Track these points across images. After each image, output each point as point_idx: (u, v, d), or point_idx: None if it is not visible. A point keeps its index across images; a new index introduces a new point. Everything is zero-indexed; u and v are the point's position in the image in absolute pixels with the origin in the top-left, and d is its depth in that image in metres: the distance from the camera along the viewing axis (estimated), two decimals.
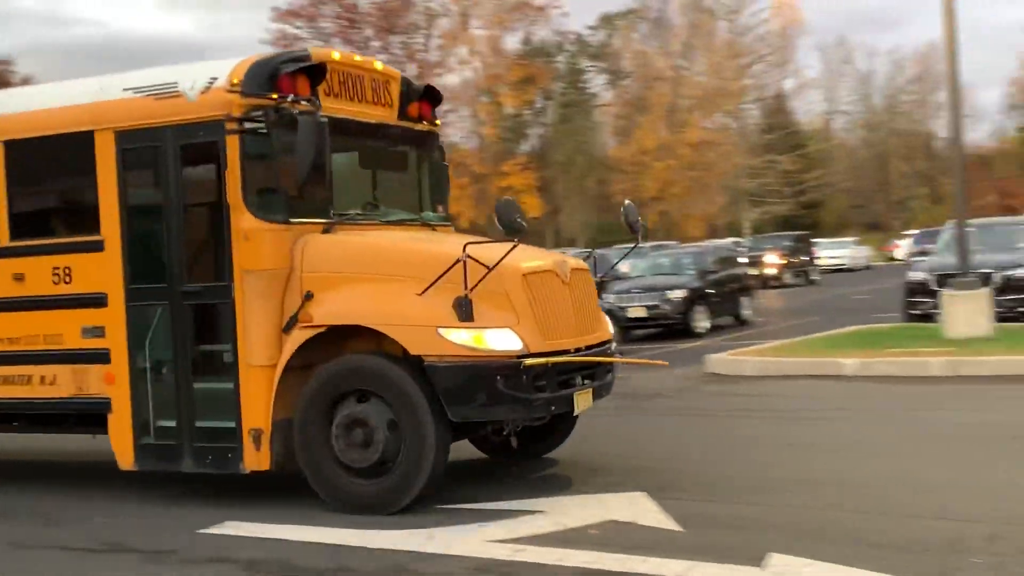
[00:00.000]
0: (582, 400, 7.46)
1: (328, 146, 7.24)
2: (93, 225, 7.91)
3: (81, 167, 7.96)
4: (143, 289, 7.79)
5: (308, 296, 7.33)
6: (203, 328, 7.73)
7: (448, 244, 7.78)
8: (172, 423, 7.68)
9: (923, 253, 25.75)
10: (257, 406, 7.32)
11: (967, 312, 14.81)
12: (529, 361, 6.95)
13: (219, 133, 7.41)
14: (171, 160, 7.66)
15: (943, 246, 19.02)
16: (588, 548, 6.13)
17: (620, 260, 10.97)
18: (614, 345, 8.23)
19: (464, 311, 6.99)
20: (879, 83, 79.71)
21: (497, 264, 6.99)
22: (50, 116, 8.15)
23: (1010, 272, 17.53)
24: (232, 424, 7.43)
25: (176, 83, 7.65)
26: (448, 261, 7.05)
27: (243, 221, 7.38)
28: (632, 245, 9.04)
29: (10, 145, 8.26)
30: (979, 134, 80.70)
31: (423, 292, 7.06)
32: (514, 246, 7.06)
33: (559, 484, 7.83)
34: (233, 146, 7.37)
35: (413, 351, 7.05)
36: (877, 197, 76.37)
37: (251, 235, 7.36)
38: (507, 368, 6.97)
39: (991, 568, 5.48)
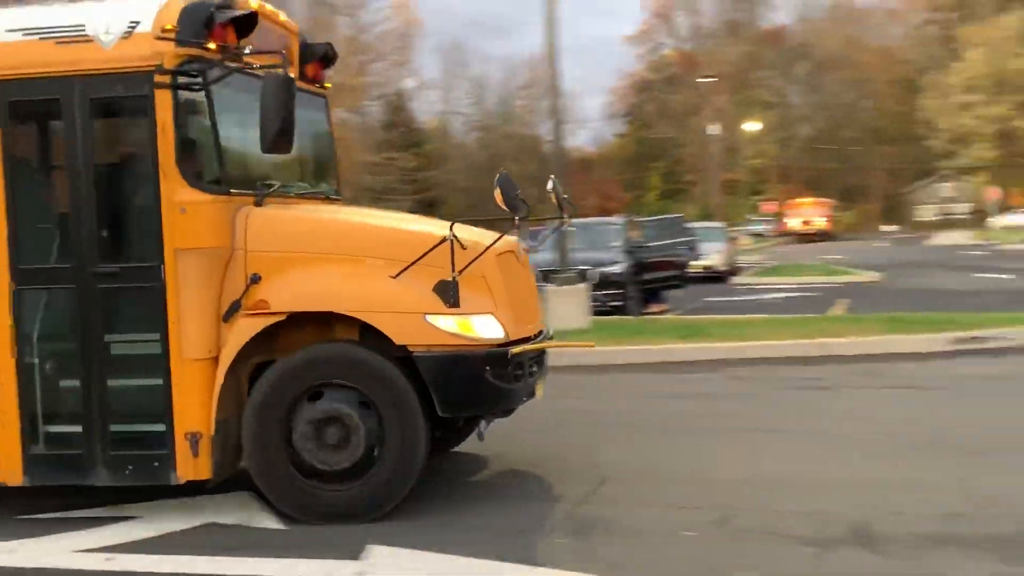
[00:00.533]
0: (539, 389, 7.15)
1: (295, 108, 6.38)
2: None
3: None
4: (38, 270, 6.61)
5: (255, 279, 6.41)
6: (122, 316, 6.62)
7: (416, 222, 7.28)
8: (77, 428, 6.52)
9: (527, 251, 27.13)
10: (194, 406, 6.34)
11: (567, 306, 15.76)
12: (516, 349, 6.51)
13: (146, 87, 6.33)
14: (79, 117, 6.47)
15: (547, 244, 20.15)
16: (183, 552, 5.94)
17: (546, 239, 10.02)
18: (551, 329, 7.87)
19: (451, 296, 6.35)
20: (493, 88, 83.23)
21: (491, 245, 6.55)
22: None
23: (605, 269, 18.91)
24: (161, 428, 6.41)
25: (83, 25, 6.45)
26: (428, 240, 6.43)
27: (178, 192, 6.34)
28: (558, 224, 7.92)
29: None
30: (582, 139, 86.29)
31: (398, 275, 6.38)
32: (512, 228, 6.71)
33: (157, 489, 7.50)
34: (165, 103, 6.33)
35: (399, 340, 6.33)
36: (492, 197, 79.63)
37: (188, 208, 6.34)
38: (496, 357, 6.43)
39: (571, 545, 5.85)
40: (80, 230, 6.50)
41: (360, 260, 6.53)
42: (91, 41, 6.43)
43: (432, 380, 6.35)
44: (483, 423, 6.93)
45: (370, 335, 6.43)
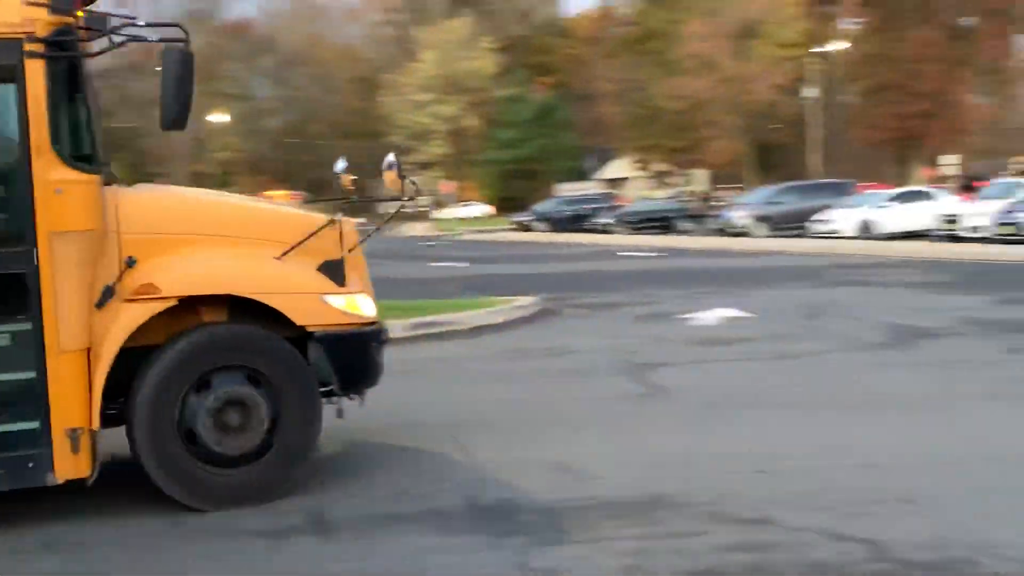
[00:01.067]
0: None
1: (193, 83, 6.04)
2: None
3: None
4: None
5: (130, 262, 6.06)
6: None
7: (279, 202, 7.84)
8: None
9: None
10: (73, 400, 5.90)
11: None
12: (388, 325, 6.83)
13: (14, 56, 5.74)
14: None
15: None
16: None
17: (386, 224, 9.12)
18: None
19: (340, 276, 6.55)
20: None
21: (379, 229, 7.04)
22: None
23: None
24: (35, 425, 5.89)
25: None
26: (311, 222, 6.68)
27: (52, 170, 5.80)
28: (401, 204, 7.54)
29: None
30: None
31: (282, 256, 6.45)
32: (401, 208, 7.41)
33: None
34: (37, 75, 5.77)
35: (299, 321, 6.36)
36: None
37: (64, 187, 5.81)
38: (377, 334, 6.77)
39: (28, 559, 5.41)
40: None
41: (240, 241, 6.51)
42: None
43: (332, 358, 6.47)
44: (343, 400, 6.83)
45: (239, 317, 6.40)
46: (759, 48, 59.70)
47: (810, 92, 55.69)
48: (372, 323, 6.72)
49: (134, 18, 6.16)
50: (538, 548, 5.46)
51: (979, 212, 28.79)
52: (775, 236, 35.37)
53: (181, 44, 6.06)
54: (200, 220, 6.57)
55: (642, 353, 11.76)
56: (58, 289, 5.88)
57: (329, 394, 6.65)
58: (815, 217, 34.68)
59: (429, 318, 14.72)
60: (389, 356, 11.66)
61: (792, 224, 35.38)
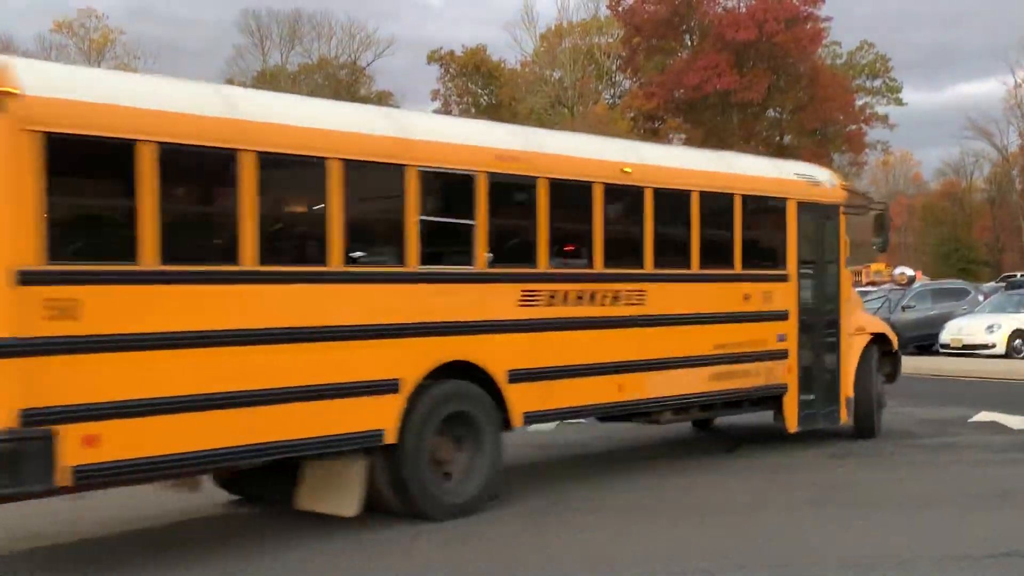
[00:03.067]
0: None
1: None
2: (782, 263, 11.83)
3: (776, 223, 11.85)
4: (807, 308, 12.01)
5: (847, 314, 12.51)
6: (823, 331, 12.20)
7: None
8: (813, 396, 11.97)
9: None
10: (847, 382, 12.33)
11: None
12: None
13: (836, 215, 12.45)
14: (817, 224, 12.23)
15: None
16: None
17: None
18: None
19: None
20: None
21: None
22: (721, 179, 11.26)
23: None
24: (837, 393, 12.25)
25: (814, 175, 12.46)
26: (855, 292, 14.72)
27: (844, 270, 12.61)
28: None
29: (659, 194, 10.34)
30: None
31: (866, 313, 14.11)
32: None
33: None
34: (842, 224, 12.51)
35: (895, 344, 13.23)
36: None
37: (844, 278, 12.62)
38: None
39: None
40: (824, 288, 12.27)
41: (860, 306, 13.80)
42: (821, 185, 12.36)
43: (893, 362, 13.34)
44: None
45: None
46: None
47: None
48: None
49: (868, 195, 14.32)
50: None
51: None
52: None
53: (885, 207, 13.52)
54: (854, 296, 13.46)
55: None
56: (843, 326, 12.37)
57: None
58: None
59: None
60: None
61: None
